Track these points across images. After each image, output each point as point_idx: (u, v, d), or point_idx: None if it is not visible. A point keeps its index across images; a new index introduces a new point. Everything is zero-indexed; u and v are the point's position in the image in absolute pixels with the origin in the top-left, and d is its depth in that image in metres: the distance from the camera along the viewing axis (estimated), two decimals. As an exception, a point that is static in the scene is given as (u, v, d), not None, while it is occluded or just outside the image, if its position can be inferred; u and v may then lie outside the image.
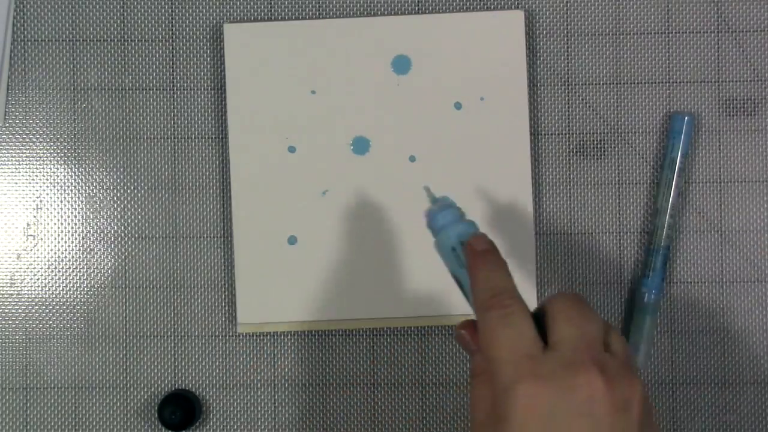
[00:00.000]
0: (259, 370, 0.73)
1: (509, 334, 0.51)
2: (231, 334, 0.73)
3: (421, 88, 0.72)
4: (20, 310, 0.73)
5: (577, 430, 0.49)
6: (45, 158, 0.73)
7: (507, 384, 0.49)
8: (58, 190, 0.73)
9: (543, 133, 0.73)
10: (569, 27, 0.73)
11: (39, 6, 0.73)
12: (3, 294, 0.73)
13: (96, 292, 0.73)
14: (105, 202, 0.73)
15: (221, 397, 0.73)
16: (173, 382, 0.73)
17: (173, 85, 0.73)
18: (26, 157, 0.73)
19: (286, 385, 0.73)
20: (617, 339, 0.52)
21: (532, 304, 0.71)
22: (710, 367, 0.72)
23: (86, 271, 0.73)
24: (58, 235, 0.73)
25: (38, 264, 0.73)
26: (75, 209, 0.73)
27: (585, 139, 0.73)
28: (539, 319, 0.52)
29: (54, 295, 0.73)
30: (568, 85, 0.73)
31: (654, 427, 0.51)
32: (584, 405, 0.49)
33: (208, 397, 0.73)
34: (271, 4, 0.73)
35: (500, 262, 0.54)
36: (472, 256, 0.54)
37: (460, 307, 0.71)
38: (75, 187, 0.73)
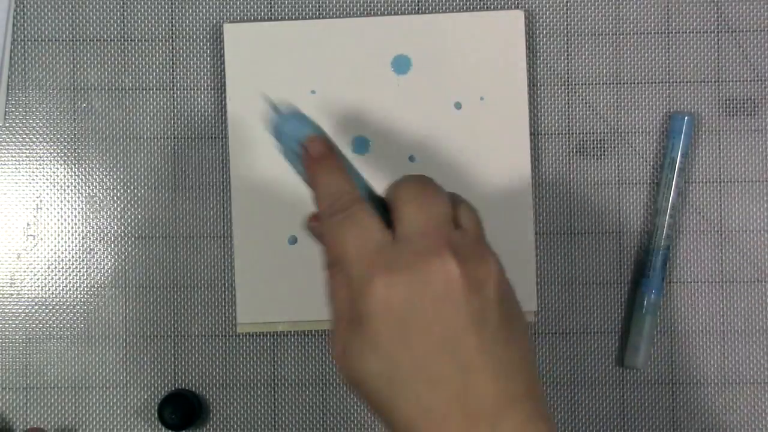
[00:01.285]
0: (259, 370, 0.73)
1: (355, 233, 0.50)
2: (231, 334, 0.73)
3: (421, 88, 0.72)
4: (20, 310, 0.73)
5: (435, 316, 0.48)
6: (45, 158, 0.73)
7: (361, 281, 0.49)
8: (58, 190, 0.73)
9: (543, 133, 0.73)
10: (569, 27, 0.73)
11: (39, 6, 0.73)
12: (3, 294, 0.73)
13: (96, 292, 0.73)
14: (105, 202, 0.73)
15: (221, 397, 0.73)
16: (173, 382, 0.73)
17: (173, 85, 0.73)
18: (26, 157, 0.73)
19: (286, 385, 0.73)
20: (467, 213, 0.52)
21: (532, 305, 0.71)
22: (710, 367, 0.72)
23: (86, 271, 0.73)
24: (58, 235, 0.73)
25: (38, 264, 0.73)
26: (75, 209, 0.73)
27: (585, 139, 0.73)
28: (386, 210, 0.51)
29: (54, 295, 0.73)
30: (568, 85, 0.73)
31: (514, 303, 0.51)
32: (440, 290, 0.48)
33: (208, 397, 0.73)
34: (271, 4, 0.73)
35: (336, 165, 0.53)
36: (310, 164, 0.54)
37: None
38: (75, 187, 0.73)
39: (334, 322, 0.52)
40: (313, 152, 0.54)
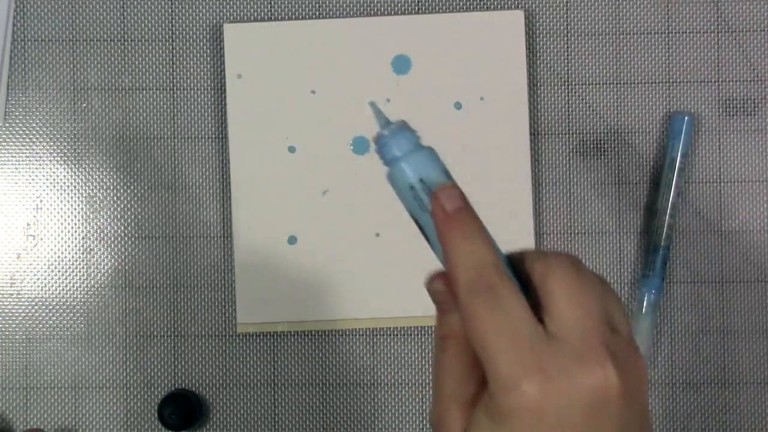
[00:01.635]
0: (259, 370, 0.73)
1: (503, 322, 0.44)
2: (231, 334, 0.73)
3: (421, 88, 0.72)
4: (20, 310, 0.73)
5: (585, 426, 0.44)
6: (45, 158, 0.73)
7: (509, 382, 0.43)
8: (58, 190, 0.73)
9: (543, 133, 0.73)
10: (569, 27, 0.73)
11: (39, 6, 0.73)
12: (3, 294, 0.73)
13: (96, 292, 0.73)
14: (105, 202, 0.73)
15: (221, 397, 0.73)
16: (173, 382, 0.73)
17: (173, 85, 0.73)
18: (26, 157, 0.73)
19: (286, 385, 0.73)
20: (618, 308, 0.47)
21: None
22: (710, 367, 0.72)
23: (86, 271, 0.73)
24: (58, 235, 0.73)
25: (38, 264, 0.73)
26: (75, 209, 0.73)
27: (585, 139, 0.73)
28: (526, 288, 0.45)
29: (54, 295, 0.73)
30: (568, 85, 0.73)
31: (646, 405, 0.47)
32: (596, 400, 0.44)
33: (208, 397, 0.73)
34: (271, 4, 0.73)
35: (477, 227, 0.46)
36: (443, 220, 0.46)
37: (460, 307, 0.71)
38: (75, 187, 0.73)
39: (440, 396, 0.46)
40: (448, 206, 0.46)
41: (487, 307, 0.44)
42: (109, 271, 0.73)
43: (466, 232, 0.46)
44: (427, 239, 0.47)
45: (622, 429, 0.44)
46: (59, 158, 0.73)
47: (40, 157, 0.73)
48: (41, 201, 0.73)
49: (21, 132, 0.73)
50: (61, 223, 0.73)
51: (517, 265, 0.46)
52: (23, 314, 0.73)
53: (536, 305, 0.45)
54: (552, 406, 0.43)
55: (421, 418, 0.72)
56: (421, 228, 0.47)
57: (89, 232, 0.73)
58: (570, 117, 0.73)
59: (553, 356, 0.43)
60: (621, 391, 0.44)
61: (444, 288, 0.46)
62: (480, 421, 0.45)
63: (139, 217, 0.73)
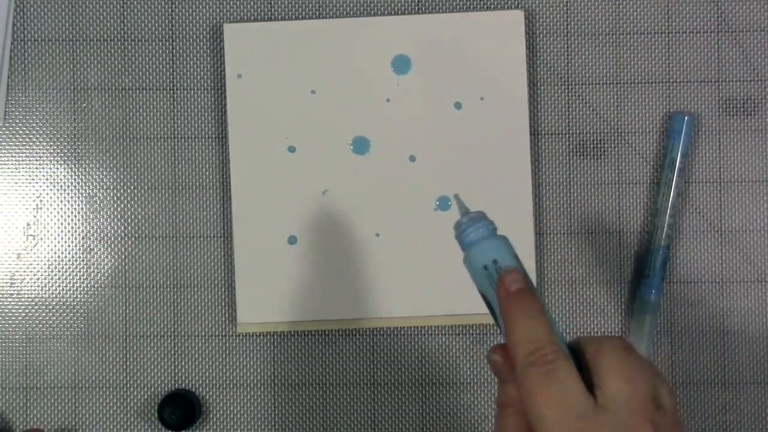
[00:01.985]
0: (259, 370, 0.73)
1: (556, 393, 0.48)
2: (231, 334, 0.73)
3: (421, 88, 0.72)
4: (20, 310, 0.73)
5: None
6: (45, 158, 0.73)
7: None
8: (58, 190, 0.73)
9: (543, 133, 0.73)
10: (569, 27, 0.73)
11: (39, 6, 0.73)
12: (3, 294, 0.73)
13: (96, 292, 0.73)
14: (105, 202, 0.73)
15: (221, 397, 0.73)
16: (173, 382, 0.73)
17: (173, 85, 0.73)
18: (26, 157, 0.73)
19: (286, 385, 0.73)
20: (666, 391, 0.50)
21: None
22: (710, 367, 0.72)
23: (86, 271, 0.73)
24: (58, 235, 0.73)
25: (38, 264, 0.73)
26: (75, 209, 0.73)
27: (585, 139, 0.73)
28: (581, 365, 0.50)
29: (54, 295, 0.73)
30: (568, 85, 0.73)
31: None
32: None
33: (208, 397, 0.73)
34: (271, 4, 0.73)
35: (537, 306, 0.50)
36: (506, 299, 0.51)
37: (459, 307, 0.71)
38: (75, 187, 0.73)
39: None
40: (510, 287, 0.51)
41: (542, 379, 0.48)
42: (109, 271, 0.73)
43: (526, 311, 0.50)
44: (494, 316, 0.52)
45: None
46: (59, 158, 0.73)
47: (40, 157, 0.73)
48: (41, 201, 0.73)
49: (21, 132, 0.73)
50: (61, 223, 0.73)
51: (573, 348, 0.51)
52: (23, 314, 0.73)
53: (589, 383, 0.49)
54: None
55: (421, 418, 0.72)
56: (489, 306, 0.52)
57: (89, 232, 0.73)
58: (570, 117, 0.73)
59: (601, 426, 0.47)
60: None
61: (502, 359, 0.51)
62: None
63: (139, 217, 0.73)
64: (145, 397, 0.73)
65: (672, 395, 0.50)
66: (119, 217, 0.73)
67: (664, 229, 0.71)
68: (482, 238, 0.52)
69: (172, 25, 0.74)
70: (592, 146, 0.73)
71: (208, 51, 0.73)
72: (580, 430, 0.47)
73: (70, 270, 0.73)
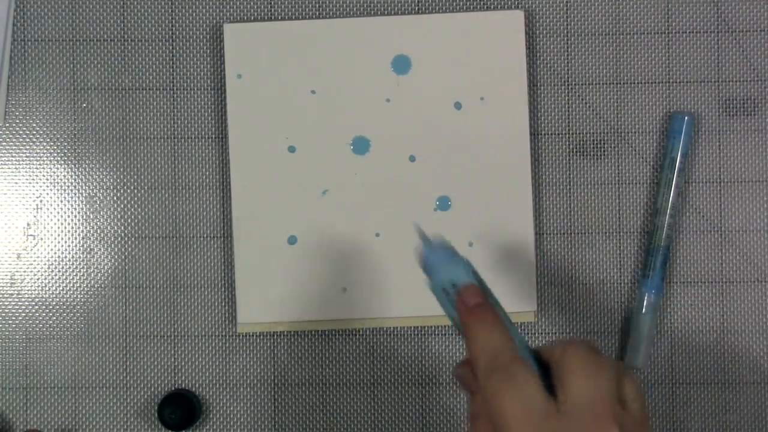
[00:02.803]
0: (259, 370, 0.73)
1: (516, 396, 0.49)
2: (231, 334, 0.73)
3: (421, 88, 0.72)
4: (20, 310, 0.73)
5: None
6: (45, 158, 0.73)
7: None
8: (58, 190, 0.73)
9: (543, 133, 0.73)
10: (569, 27, 0.73)
11: (39, 6, 0.73)
12: (3, 294, 0.73)
13: (96, 292, 0.73)
14: (105, 202, 0.73)
15: (221, 397, 0.73)
16: (173, 382, 0.73)
17: (173, 85, 0.73)
18: (26, 157, 0.73)
19: (286, 385, 0.73)
20: (632, 390, 0.51)
21: (532, 305, 0.71)
22: (710, 367, 0.72)
23: (86, 271, 0.73)
24: (58, 235, 0.73)
25: (38, 264, 0.73)
26: (75, 209, 0.73)
27: (585, 139, 0.73)
28: (544, 369, 0.51)
29: (54, 295, 0.73)
30: (568, 85, 0.73)
31: None
32: None
33: (208, 397, 0.73)
34: (271, 4, 0.73)
35: (493, 318, 0.52)
36: (465, 313, 0.53)
37: (460, 307, 0.71)
38: (75, 187, 0.73)
39: None
40: (469, 301, 0.53)
41: (502, 384, 0.49)
42: (109, 271, 0.73)
43: (483, 322, 0.52)
44: (461, 333, 0.54)
45: None
46: (59, 158, 0.73)
47: (40, 157, 0.73)
48: (41, 201, 0.73)
49: (21, 132, 0.73)
50: (61, 223, 0.73)
51: (542, 354, 0.52)
52: (23, 314, 0.73)
53: (555, 386, 0.50)
54: None
55: (421, 418, 0.72)
56: (455, 324, 0.54)
57: (89, 232, 0.73)
58: (570, 117, 0.73)
59: (562, 426, 0.48)
60: None
61: (468, 372, 0.53)
62: None
63: (139, 217, 0.73)
64: (145, 397, 0.73)
65: (639, 393, 0.51)
66: (119, 217, 0.73)
67: (664, 229, 0.71)
68: (440, 263, 0.54)
69: (172, 25, 0.74)
70: (592, 146, 0.73)
71: (208, 51, 0.73)
72: (540, 430, 0.48)
73: (70, 270, 0.73)
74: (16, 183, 0.73)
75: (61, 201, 0.73)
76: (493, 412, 0.49)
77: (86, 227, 0.73)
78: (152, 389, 0.73)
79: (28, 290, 0.73)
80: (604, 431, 0.48)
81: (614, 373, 0.50)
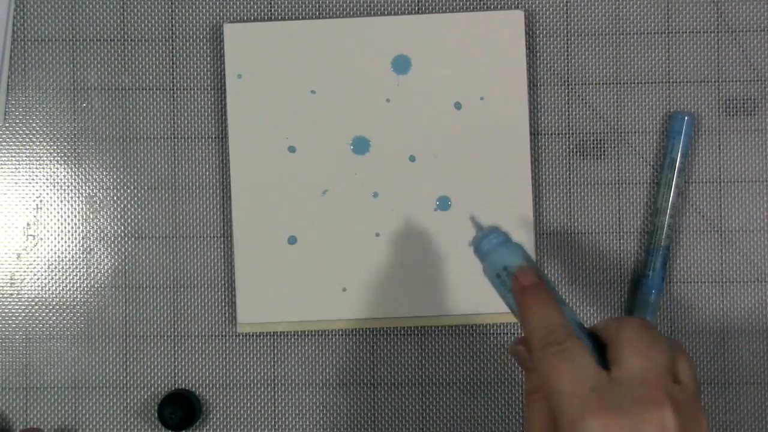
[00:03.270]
0: (259, 370, 0.73)
1: (570, 369, 0.50)
2: (231, 334, 0.73)
3: (421, 88, 0.72)
4: (20, 310, 0.73)
5: None
6: (45, 158, 0.73)
7: (573, 418, 0.49)
8: (58, 190, 0.73)
9: (543, 133, 0.73)
10: (569, 27, 0.73)
11: (39, 6, 0.73)
12: (3, 294, 0.73)
13: (96, 292, 0.73)
14: (105, 202, 0.73)
15: (221, 397, 0.73)
16: (173, 382, 0.73)
17: (173, 85, 0.73)
18: (26, 157, 0.73)
19: (286, 385, 0.73)
20: (686, 366, 0.52)
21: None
22: (710, 367, 0.72)
23: (86, 271, 0.73)
24: (58, 235, 0.73)
25: (38, 264, 0.73)
26: (75, 209, 0.73)
27: (585, 139, 0.73)
28: (600, 346, 0.52)
29: (54, 295, 0.73)
30: (568, 85, 0.73)
31: None
32: None
33: (208, 397, 0.73)
34: (271, 4, 0.73)
35: (547, 296, 0.54)
36: (520, 293, 0.54)
37: (460, 307, 0.71)
38: (75, 187, 0.73)
39: None
40: (524, 282, 0.55)
41: (555, 358, 0.51)
42: (109, 271, 0.73)
43: (537, 301, 0.54)
44: (516, 315, 0.56)
45: None
46: (59, 158, 0.73)
47: (40, 157, 0.73)
48: (41, 201, 0.73)
49: (21, 132, 0.73)
50: (61, 223, 0.73)
51: (596, 332, 0.53)
52: (23, 314, 0.73)
53: (609, 361, 0.51)
54: None
55: (421, 418, 0.72)
56: (510, 307, 0.56)
57: (89, 232, 0.73)
58: (570, 117, 0.73)
59: (615, 397, 0.49)
60: None
61: (521, 348, 0.55)
62: None
63: (139, 217, 0.73)
64: (145, 397, 0.73)
65: (692, 370, 0.52)
66: (119, 217, 0.73)
67: (664, 229, 0.71)
68: (492, 249, 0.56)
69: (172, 25, 0.74)
70: (592, 146, 0.73)
71: (208, 51, 0.73)
72: (594, 402, 0.49)
73: (70, 270, 0.73)
74: (16, 183, 0.73)
75: (61, 201, 0.73)
76: (548, 387, 0.51)
77: (86, 227, 0.73)
78: (152, 389, 0.73)
79: (28, 290, 0.73)
80: (656, 405, 0.48)
81: (669, 350, 0.51)
